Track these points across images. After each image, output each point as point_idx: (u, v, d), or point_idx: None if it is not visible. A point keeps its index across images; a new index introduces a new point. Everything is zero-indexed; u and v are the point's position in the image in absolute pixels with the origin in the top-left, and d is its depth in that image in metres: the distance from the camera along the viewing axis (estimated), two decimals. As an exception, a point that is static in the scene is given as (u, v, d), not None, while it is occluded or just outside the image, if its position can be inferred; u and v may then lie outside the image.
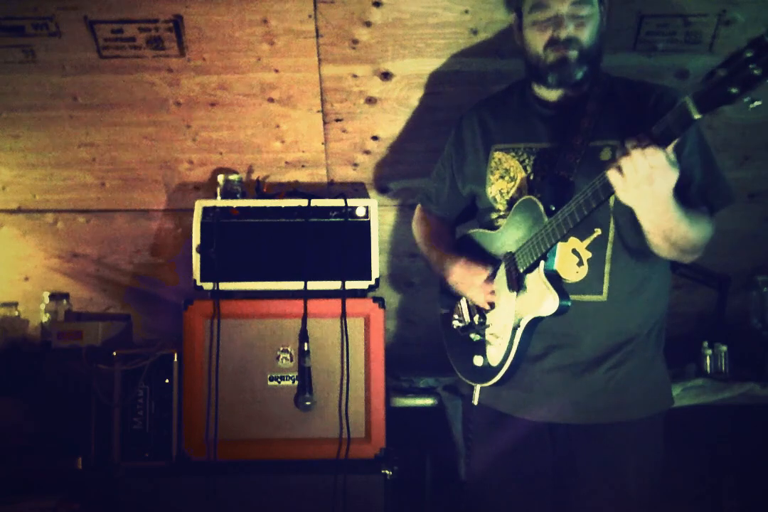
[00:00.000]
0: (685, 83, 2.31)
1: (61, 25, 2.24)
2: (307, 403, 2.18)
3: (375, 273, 2.29)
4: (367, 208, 2.30)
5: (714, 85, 1.26)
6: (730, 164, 2.46)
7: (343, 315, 2.22)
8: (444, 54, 2.32)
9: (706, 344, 2.45)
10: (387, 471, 2.13)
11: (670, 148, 1.41)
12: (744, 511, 2.74)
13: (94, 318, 2.48)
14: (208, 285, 2.27)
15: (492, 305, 1.85)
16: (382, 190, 2.64)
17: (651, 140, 1.39)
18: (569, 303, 1.66)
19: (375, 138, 2.52)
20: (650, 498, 1.81)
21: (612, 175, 1.43)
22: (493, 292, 1.84)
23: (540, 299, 1.69)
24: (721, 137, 2.40)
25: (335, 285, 2.27)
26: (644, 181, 1.41)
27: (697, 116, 1.30)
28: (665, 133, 1.37)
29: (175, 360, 2.21)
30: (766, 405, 2.37)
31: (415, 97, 2.42)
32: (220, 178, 2.45)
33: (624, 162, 1.40)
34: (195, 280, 2.28)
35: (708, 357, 2.43)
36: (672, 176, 1.42)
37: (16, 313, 2.63)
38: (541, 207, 1.69)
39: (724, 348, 2.43)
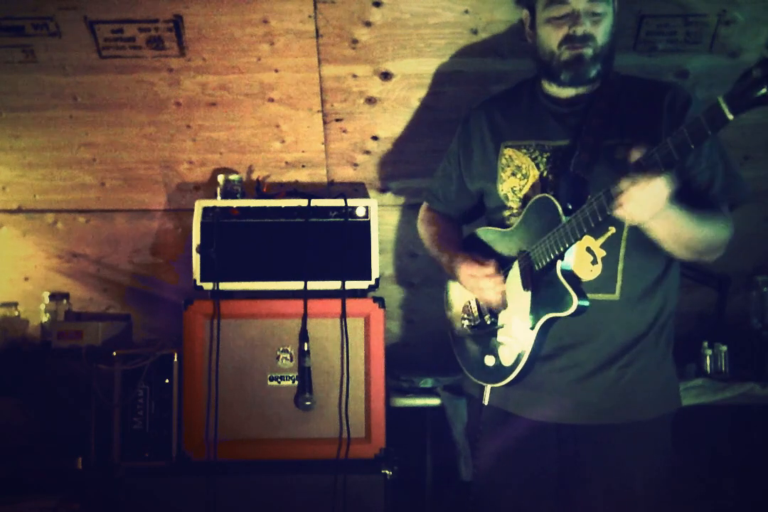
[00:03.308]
0: (685, 83, 2.31)
1: (61, 25, 2.25)
2: (307, 403, 2.18)
3: (375, 273, 2.29)
4: (367, 208, 2.30)
5: (749, 85, 1.25)
6: (730, 164, 2.46)
7: (343, 315, 2.22)
8: (444, 54, 2.32)
9: (706, 344, 2.44)
10: (387, 471, 2.13)
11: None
12: (744, 511, 2.74)
13: (94, 318, 2.48)
14: (208, 286, 2.27)
15: (504, 304, 1.84)
16: (383, 190, 2.64)
17: (647, 170, 1.42)
18: (588, 304, 1.65)
19: (375, 138, 2.52)
20: (657, 500, 1.80)
21: (621, 213, 1.48)
22: (503, 292, 1.82)
23: (558, 299, 1.67)
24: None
25: (335, 285, 2.27)
26: (647, 204, 1.46)
27: (731, 117, 1.29)
28: (697, 133, 1.35)
29: (175, 360, 2.21)
30: (766, 405, 2.37)
31: (415, 97, 2.42)
32: (220, 178, 2.45)
33: (628, 201, 1.45)
34: (195, 280, 2.28)
35: (708, 357, 2.43)
36: (670, 189, 1.46)
37: (16, 313, 2.63)
38: (559, 206, 1.68)
39: (724, 348, 2.43)
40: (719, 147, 1.75)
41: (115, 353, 2.22)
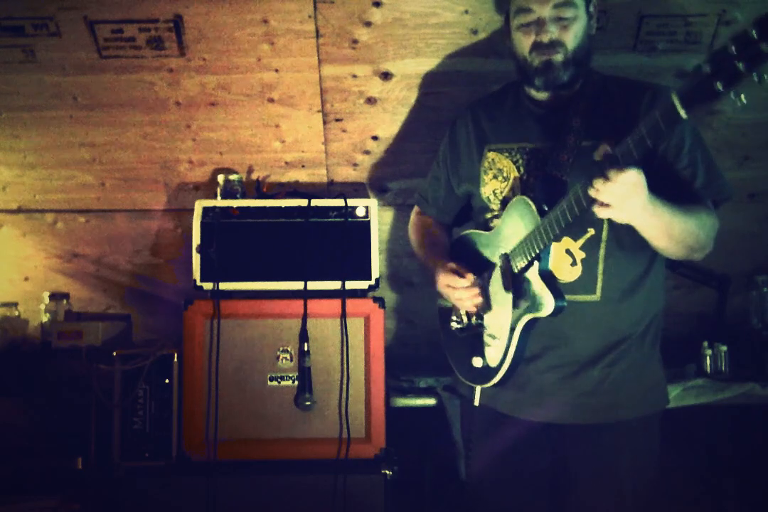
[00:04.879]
0: (685, 83, 2.31)
1: (61, 25, 2.24)
2: (307, 403, 2.18)
3: (375, 273, 2.29)
4: (367, 208, 2.30)
5: (699, 81, 1.24)
6: (730, 164, 2.46)
7: (343, 315, 2.22)
8: (444, 54, 2.32)
9: (706, 344, 2.44)
10: (387, 471, 2.13)
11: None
12: (744, 511, 2.74)
13: (94, 318, 2.48)
14: (208, 285, 2.27)
15: (489, 307, 1.85)
16: (382, 190, 2.64)
17: (615, 164, 1.41)
18: (565, 304, 1.66)
19: (375, 138, 2.52)
20: (645, 498, 1.81)
21: (599, 210, 1.47)
22: (482, 295, 1.83)
23: (536, 300, 1.69)
24: (721, 137, 2.40)
25: (335, 285, 2.27)
26: (626, 198, 1.45)
27: (684, 114, 1.28)
28: (653, 131, 1.34)
29: (175, 360, 2.21)
30: (766, 405, 2.36)
31: (415, 97, 2.42)
32: (220, 178, 2.45)
33: (602, 196, 1.44)
34: (195, 280, 2.28)
35: (708, 357, 2.43)
36: (643, 181, 1.45)
37: (16, 313, 2.63)
38: (534, 207, 1.69)
39: (724, 348, 2.43)
40: (700, 145, 1.75)
41: (115, 353, 2.22)
